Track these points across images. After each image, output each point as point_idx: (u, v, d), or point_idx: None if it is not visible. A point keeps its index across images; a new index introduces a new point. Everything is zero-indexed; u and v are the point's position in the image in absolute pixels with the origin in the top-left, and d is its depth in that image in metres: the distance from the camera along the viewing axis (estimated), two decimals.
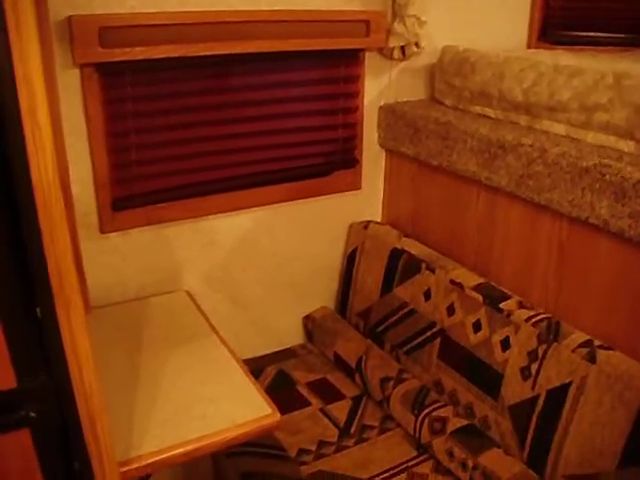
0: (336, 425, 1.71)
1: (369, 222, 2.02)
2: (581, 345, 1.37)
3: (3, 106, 0.69)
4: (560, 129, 1.54)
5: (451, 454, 1.52)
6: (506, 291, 1.60)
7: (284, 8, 1.66)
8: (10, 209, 0.75)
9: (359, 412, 1.77)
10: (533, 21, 2.11)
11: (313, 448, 1.63)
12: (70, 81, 1.49)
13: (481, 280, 1.65)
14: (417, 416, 1.62)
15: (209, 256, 1.83)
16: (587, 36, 2.16)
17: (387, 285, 1.87)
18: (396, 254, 1.85)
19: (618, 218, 1.30)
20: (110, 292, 1.71)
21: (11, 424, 0.84)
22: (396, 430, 1.70)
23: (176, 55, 1.54)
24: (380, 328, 1.89)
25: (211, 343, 1.46)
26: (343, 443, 1.65)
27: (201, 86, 1.68)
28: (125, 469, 1.05)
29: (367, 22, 1.76)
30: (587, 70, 1.47)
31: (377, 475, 1.55)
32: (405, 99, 1.98)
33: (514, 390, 1.48)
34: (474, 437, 1.54)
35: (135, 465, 1.07)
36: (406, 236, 1.91)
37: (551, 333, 1.42)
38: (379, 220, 2.09)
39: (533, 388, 1.44)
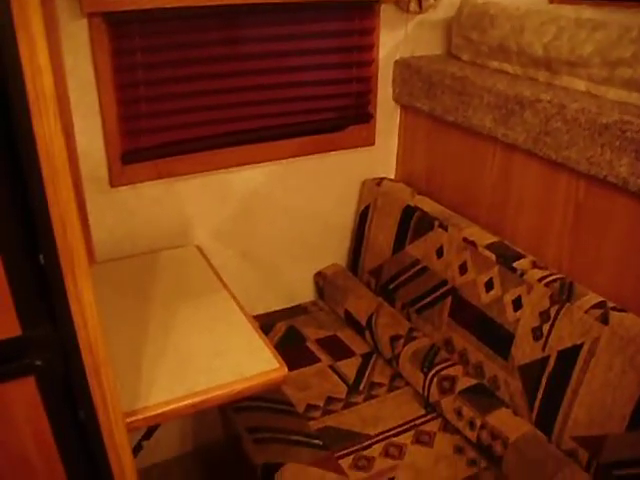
0: (345, 382, 1.72)
1: (382, 179, 1.99)
2: (594, 306, 1.35)
3: (2, 52, 0.67)
4: (580, 85, 1.50)
5: (459, 413, 1.52)
6: (520, 250, 1.58)
7: None
8: (13, 159, 0.73)
9: (368, 369, 1.77)
10: None
11: (321, 404, 1.64)
12: (78, 32, 1.46)
13: (495, 239, 1.62)
14: (426, 374, 1.62)
15: (220, 211, 1.82)
16: None
17: (399, 243, 1.85)
18: (409, 211, 1.82)
19: (638, 176, 1.27)
20: (120, 246, 1.70)
21: (16, 372, 0.84)
22: (405, 388, 1.70)
23: (185, 4, 1.50)
24: (391, 286, 1.88)
25: (220, 297, 1.45)
26: (351, 400, 1.66)
27: (212, 37, 1.65)
28: (131, 419, 1.05)
29: None
30: (611, 24, 1.42)
31: (384, 432, 1.55)
32: (421, 54, 1.93)
33: (525, 350, 1.47)
34: (483, 396, 1.54)
35: (141, 416, 1.07)
36: (420, 194, 1.89)
37: (564, 294, 1.40)
38: (392, 177, 2.07)
39: (544, 349, 1.42)
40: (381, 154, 2.02)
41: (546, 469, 1.35)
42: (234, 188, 1.81)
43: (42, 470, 0.92)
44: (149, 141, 1.64)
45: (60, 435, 0.91)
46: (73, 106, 1.51)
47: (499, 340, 1.53)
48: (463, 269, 1.63)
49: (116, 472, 0.97)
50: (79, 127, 1.54)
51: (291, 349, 1.82)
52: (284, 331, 1.90)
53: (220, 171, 1.77)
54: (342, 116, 1.90)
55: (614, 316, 1.31)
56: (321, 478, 1.42)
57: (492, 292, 1.55)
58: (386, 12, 1.83)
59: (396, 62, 1.91)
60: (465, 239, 1.64)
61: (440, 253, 1.70)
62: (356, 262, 2.05)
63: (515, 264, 1.52)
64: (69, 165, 0.77)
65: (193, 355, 1.24)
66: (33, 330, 0.82)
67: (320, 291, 2.06)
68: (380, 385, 1.71)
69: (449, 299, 1.67)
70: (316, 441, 1.52)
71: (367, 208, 1.98)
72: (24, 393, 0.86)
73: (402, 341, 1.72)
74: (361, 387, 1.70)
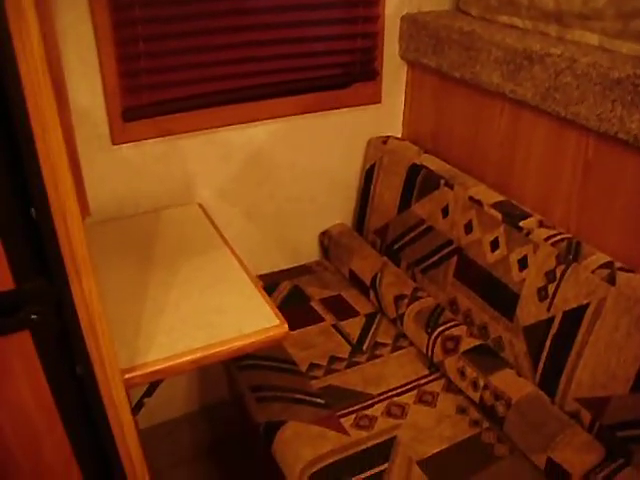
0: (349, 341, 1.71)
1: (388, 137, 1.96)
2: (601, 266, 1.33)
3: None
4: (593, 39, 1.45)
5: (462, 373, 1.51)
6: (527, 210, 1.55)
7: None
8: (1, 111, 0.71)
9: (372, 329, 1.76)
10: None
11: (324, 363, 1.63)
12: None
13: (501, 198, 1.59)
14: (430, 334, 1.61)
15: (223, 169, 1.79)
16: None
17: (405, 202, 1.82)
18: (415, 170, 1.79)
19: None
20: (122, 204, 1.69)
21: (12, 326, 0.83)
22: (409, 348, 1.70)
23: None
24: (396, 246, 1.86)
25: (223, 256, 1.44)
26: (355, 359, 1.65)
27: None
28: (130, 375, 1.05)
29: None
30: None
31: (387, 392, 1.55)
32: (428, 9, 1.88)
33: (530, 311, 1.45)
34: (487, 357, 1.53)
35: (140, 372, 1.06)
36: (426, 152, 1.85)
37: (571, 253, 1.38)
38: (399, 136, 2.03)
39: (549, 309, 1.40)
40: (387, 112, 1.99)
41: (548, 430, 1.34)
42: (237, 146, 1.79)
43: (41, 424, 0.92)
44: (150, 98, 1.61)
45: (58, 390, 0.91)
46: (72, 64, 1.49)
47: (504, 300, 1.52)
48: (469, 228, 1.60)
49: (115, 427, 0.97)
50: (79, 85, 1.52)
51: (295, 308, 1.82)
52: (288, 290, 1.89)
53: (223, 129, 1.74)
54: (347, 72, 1.86)
55: (621, 276, 1.29)
56: (323, 436, 1.42)
57: (497, 252, 1.53)
58: None
59: (403, 17, 1.86)
60: (471, 198, 1.61)
61: (446, 212, 1.68)
62: (361, 222, 2.03)
63: (521, 223, 1.49)
64: (62, 119, 0.76)
65: (193, 312, 1.23)
66: (27, 284, 0.81)
67: (325, 251, 2.05)
68: (384, 345, 1.71)
69: (454, 259, 1.65)
70: (318, 400, 1.52)
71: (373, 167, 1.96)
72: (20, 347, 0.85)
73: (406, 301, 1.71)
74: (364, 347, 1.69)
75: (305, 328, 1.75)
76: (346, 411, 1.49)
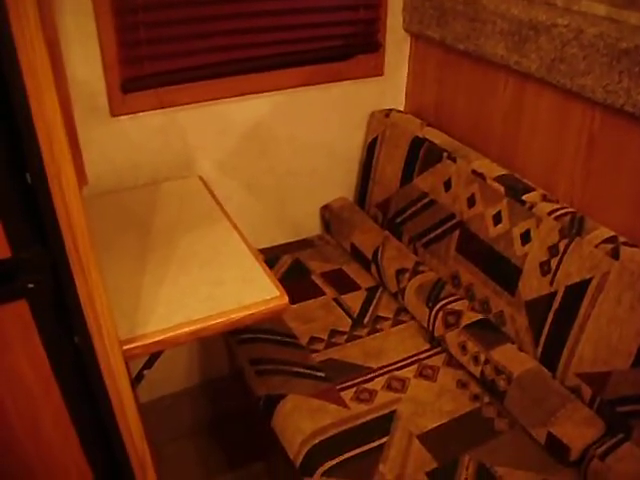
0: (349, 315, 1.70)
1: (391, 110, 1.94)
2: (605, 241, 1.31)
3: None
4: (600, 10, 1.42)
5: (464, 347, 1.51)
6: (530, 183, 1.54)
7: None
8: None
9: (373, 303, 1.75)
10: None
11: (325, 337, 1.63)
12: None
13: (504, 171, 1.58)
14: (431, 309, 1.60)
15: (223, 141, 1.77)
16: None
17: (407, 175, 1.80)
18: (417, 143, 1.77)
19: None
20: (121, 176, 1.68)
21: (8, 295, 0.82)
22: (410, 322, 1.69)
23: None
24: (399, 219, 1.84)
25: (223, 228, 1.43)
26: (355, 333, 1.65)
27: None
28: (128, 347, 1.04)
29: None
30: None
31: (387, 365, 1.55)
32: None
33: (532, 285, 1.44)
34: (488, 331, 1.52)
35: (139, 343, 1.06)
36: (429, 125, 1.83)
37: (574, 228, 1.37)
38: (402, 109, 2.01)
39: (552, 284, 1.39)
40: (390, 85, 1.96)
41: (549, 405, 1.34)
42: (238, 118, 1.76)
43: (39, 393, 0.92)
44: (149, 69, 1.59)
45: (56, 360, 0.90)
46: (71, 34, 1.46)
47: (506, 275, 1.50)
48: (471, 202, 1.59)
49: (113, 398, 0.97)
50: (78, 55, 1.50)
51: (296, 282, 1.81)
52: (289, 264, 1.88)
53: (223, 100, 1.71)
54: (349, 44, 1.83)
55: (625, 251, 1.28)
56: (322, 409, 1.42)
57: (500, 225, 1.51)
58: None
59: None
60: (474, 171, 1.59)
61: (448, 185, 1.66)
62: (363, 195, 2.01)
63: (524, 197, 1.47)
64: (58, 89, 0.74)
65: (193, 285, 1.22)
66: (23, 252, 0.80)
67: (326, 224, 2.04)
68: (385, 319, 1.70)
69: (456, 233, 1.64)
70: (318, 373, 1.52)
71: (375, 140, 1.93)
72: (17, 317, 0.84)
73: (408, 275, 1.70)
74: (365, 320, 1.69)
75: (306, 302, 1.74)
76: (346, 385, 1.49)
